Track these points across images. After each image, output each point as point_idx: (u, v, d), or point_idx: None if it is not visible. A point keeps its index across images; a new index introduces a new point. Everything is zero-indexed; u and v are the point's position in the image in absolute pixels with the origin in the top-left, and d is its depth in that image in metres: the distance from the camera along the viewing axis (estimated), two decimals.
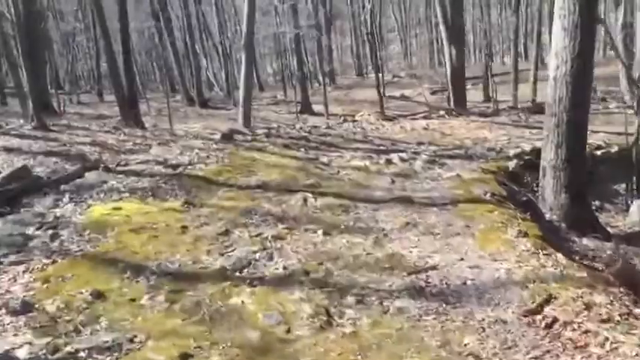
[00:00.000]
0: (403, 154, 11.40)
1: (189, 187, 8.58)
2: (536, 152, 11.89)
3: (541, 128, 16.41)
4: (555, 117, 8.92)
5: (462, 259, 5.69)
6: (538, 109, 18.56)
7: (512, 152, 11.72)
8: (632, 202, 10.63)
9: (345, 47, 51.83)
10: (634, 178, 11.02)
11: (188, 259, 5.86)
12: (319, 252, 6.08)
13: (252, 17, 17.41)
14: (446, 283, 5.24)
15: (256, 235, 6.58)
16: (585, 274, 5.28)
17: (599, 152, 12.81)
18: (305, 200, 8.06)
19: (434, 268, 5.51)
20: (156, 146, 11.86)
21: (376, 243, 6.33)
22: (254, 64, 28.43)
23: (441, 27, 22.93)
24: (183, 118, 21.19)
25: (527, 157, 11.59)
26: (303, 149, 11.88)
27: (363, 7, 30.95)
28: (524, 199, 9.35)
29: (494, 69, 32.04)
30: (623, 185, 11.92)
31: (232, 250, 6.13)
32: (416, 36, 50.55)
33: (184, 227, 6.79)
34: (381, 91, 30.59)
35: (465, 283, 5.21)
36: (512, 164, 10.97)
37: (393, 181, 9.38)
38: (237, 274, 5.52)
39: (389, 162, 10.83)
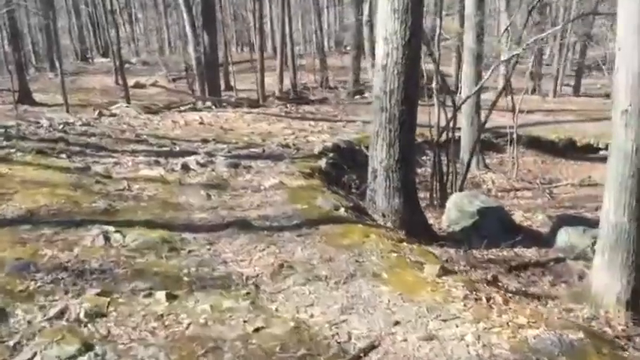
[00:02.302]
0: (197, 157, 9.14)
1: None
2: (339, 149, 10.72)
3: (313, 120, 15.87)
4: (386, 112, 7.67)
5: (397, 323, 3.89)
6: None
7: (316, 149, 10.28)
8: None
9: (62, 27, 45.68)
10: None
11: None
12: (177, 338, 3.75)
13: None
14: None
15: (56, 318, 3.94)
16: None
17: None
18: (107, 238, 5.45)
19: (372, 347, 3.61)
20: None
21: (255, 306, 4.19)
22: None
23: (184, 10, 20.82)
24: None
25: (331, 154, 10.28)
26: (64, 155, 8.78)
27: None
28: (352, 204, 7.96)
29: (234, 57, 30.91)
30: None
31: None
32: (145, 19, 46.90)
33: None
34: (117, 79, 27.39)
35: None
36: (322, 164, 9.52)
37: (208, 196, 7.17)
38: None
39: (186, 168, 8.51)
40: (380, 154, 7.82)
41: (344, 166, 10.19)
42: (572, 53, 27.63)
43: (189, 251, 5.32)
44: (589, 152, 15.29)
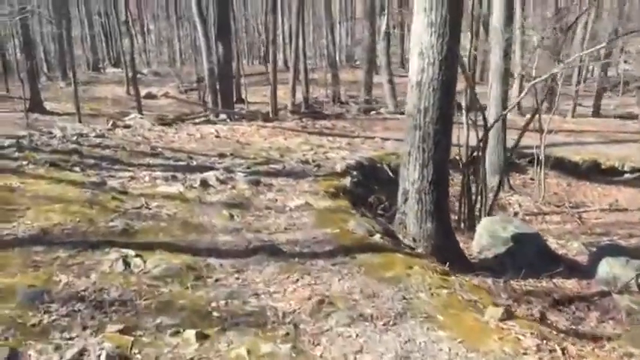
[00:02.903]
0: (216, 173, 8.65)
1: None
2: (362, 167, 10.24)
3: (330, 135, 15.43)
4: (420, 130, 7.21)
5: None
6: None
7: (338, 167, 9.78)
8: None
9: (74, 38, 45.56)
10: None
11: None
12: None
13: None
14: None
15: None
16: None
17: None
18: (126, 263, 4.96)
19: None
20: None
21: (296, 351, 3.68)
22: None
23: (197, 20, 20.47)
24: None
25: (354, 172, 9.78)
26: (78, 168, 8.30)
27: None
28: (382, 228, 7.44)
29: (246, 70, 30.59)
30: None
31: None
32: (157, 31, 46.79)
33: None
34: (129, 89, 27.04)
35: None
36: (347, 183, 9.02)
37: (231, 216, 6.66)
38: None
39: (205, 185, 8.02)
40: (412, 175, 7.35)
41: (368, 185, 9.70)
42: (587, 73, 27.26)
43: (216, 280, 4.82)
44: (613, 175, 14.74)
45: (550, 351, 3.68)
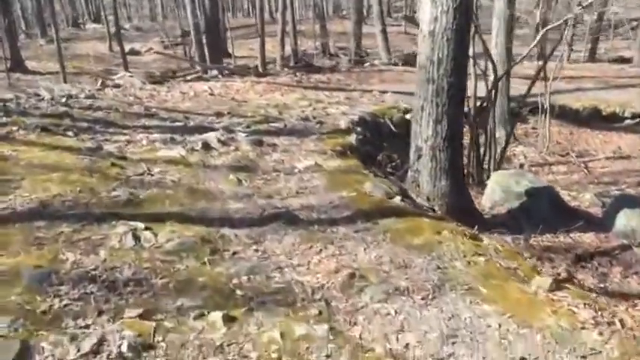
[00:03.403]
0: (217, 134, 8.22)
1: None
2: (366, 123, 9.85)
3: (327, 89, 14.92)
4: (433, 83, 6.82)
5: None
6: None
7: (342, 124, 9.37)
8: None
9: None
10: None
11: None
12: None
13: None
14: None
15: (93, 353, 3.12)
16: None
17: (407, 116, 11.24)
18: (136, 237, 4.61)
19: None
20: None
21: (334, 332, 3.40)
22: None
23: None
24: None
25: (359, 129, 9.39)
26: (71, 133, 7.83)
27: None
28: (398, 188, 7.11)
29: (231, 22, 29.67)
30: None
31: None
32: None
33: None
34: (112, 45, 26.15)
35: None
36: (353, 140, 8.64)
37: (239, 181, 6.29)
38: None
39: (207, 147, 7.60)
40: (425, 132, 6.99)
41: (374, 141, 9.34)
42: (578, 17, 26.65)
43: (234, 253, 4.48)
44: (614, 121, 14.50)
45: (608, 324, 3.42)
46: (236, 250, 4.56)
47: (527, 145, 12.40)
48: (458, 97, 6.95)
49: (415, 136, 7.15)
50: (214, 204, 5.58)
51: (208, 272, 4.14)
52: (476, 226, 5.71)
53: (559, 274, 5.59)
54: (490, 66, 8.90)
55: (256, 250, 4.57)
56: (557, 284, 3.86)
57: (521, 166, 11.14)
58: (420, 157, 7.12)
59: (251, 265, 4.28)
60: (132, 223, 4.83)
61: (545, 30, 8.78)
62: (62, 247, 4.41)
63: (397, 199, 5.70)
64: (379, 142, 9.59)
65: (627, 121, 14.54)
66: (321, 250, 4.55)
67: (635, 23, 24.74)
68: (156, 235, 4.65)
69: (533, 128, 13.75)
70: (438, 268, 4.17)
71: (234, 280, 4.03)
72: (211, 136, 8.05)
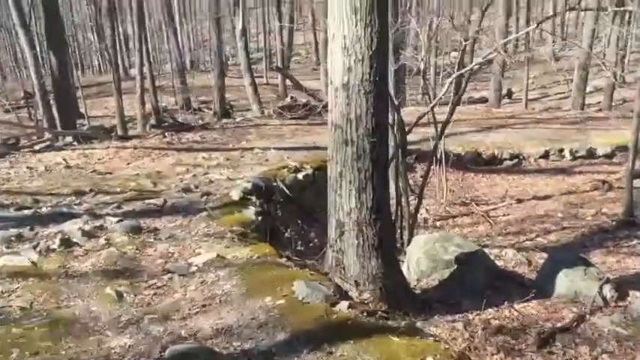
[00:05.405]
0: (79, 222, 6.33)
1: None
2: (260, 190, 8.36)
3: (202, 150, 13.19)
4: (353, 145, 5.58)
5: None
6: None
7: (233, 194, 7.78)
8: None
9: None
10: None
11: None
12: None
13: None
14: None
15: None
16: None
17: (300, 176, 9.96)
18: None
19: None
20: None
21: None
22: None
23: (19, 30, 17.05)
24: None
25: (253, 199, 7.87)
26: None
27: None
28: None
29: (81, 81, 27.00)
30: None
31: None
32: None
33: None
34: None
35: None
36: (251, 215, 7.08)
37: (119, 296, 4.51)
38: None
39: (68, 244, 5.68)
40: (348, 203, 5.66)
41: (270, 212, 7.86)
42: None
43: None
44: (494, 164, 14.29)
45: None
46: None
47: (425, 196, 11.56)
48: (382, 158, 5.74)
49: (335, 209, 5.80)
50: (86, 344, 3.78)
51: None
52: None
53: None
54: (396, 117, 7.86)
55: None
56: None
57: (426, 221, 10.21)
58: (342, 233, 5.76)
59: None
60: None
61: (453, 77, 7.96)
62: None
63: (343, 306, 4.23)
64: (277, 212, 8.14)
65: (506, 163, 14.42)
66: None
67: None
68: None
69: (421, 177, 13.02)
70: None
71: None
72: (72, 227, 6.15)
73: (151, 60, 24.74)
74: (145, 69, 21.66)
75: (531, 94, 26.36)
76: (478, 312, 6.00)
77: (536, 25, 6.92)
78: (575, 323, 5.99)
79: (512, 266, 7.71)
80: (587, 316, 6.10)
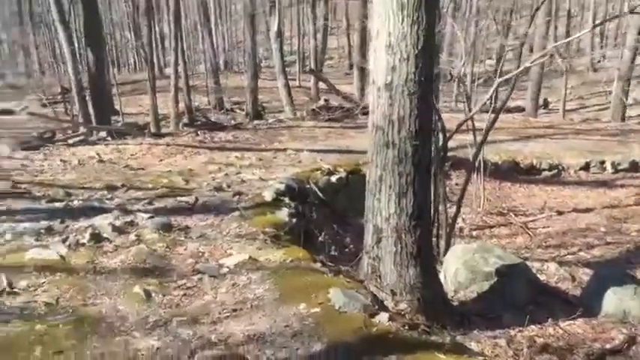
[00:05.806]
0: (110, 217, 6.19)
1: None
2: (293, 192, 8.14)
3: (235, 149, 13.05)
4: (395, 148, 5.31)
5: None
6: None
7: (266, 195, 7.57)
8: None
9: None
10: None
11: None
12: None
13: None
14: None
15: None
16: None
17: (333, 179, 9.71)
18: None
19: None
20: None
21: None
22: None
23: (59, 26, 17.18)
24: None
25: (287, 200, 7.64)
26: None
27: None
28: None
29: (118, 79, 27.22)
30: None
31: None
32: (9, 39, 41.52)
33: None
34: None
35: None
36: (285, 217, 6.86)
37: (148, 295, 4.31)
38: None
39: (98, 239, 5.53)
40: (386, 209, 5.40)
41: (305, 214, 7.63)
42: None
43: None
44: (533, 174, 13.81)
45: None
46: None
47: (464, 205, 11.20)
48: (425, 163, 5.45)
49: (373, 214, 5.54)
50: (112, 344, 3.58)
51: None
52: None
53: None
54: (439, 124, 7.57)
55: None
56: None
57: (462, 230, 9.85)
58: (379, 240, 5.50)
59: None
60: None
61: (497, 83, 7.62)
62: None
63: (384, 318, 3.96)
64: (310, 214, 7.90)
65: (545, 173, 13.93)
66: None
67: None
68: None
69: (457, 184, 12.66)
70: None
71: None
72: (102, 222, 6.00)
73: (186, 59, 24.80)
74: (180, 68, 21.69)
75: (569, 104, 25.73)
76: (520, 328, 5.70)
77: (592, 27, 6.57)
78: (626, 345, 5.62)
79: (554, 281, 7.33)
80: (639, 337, 5.73)
